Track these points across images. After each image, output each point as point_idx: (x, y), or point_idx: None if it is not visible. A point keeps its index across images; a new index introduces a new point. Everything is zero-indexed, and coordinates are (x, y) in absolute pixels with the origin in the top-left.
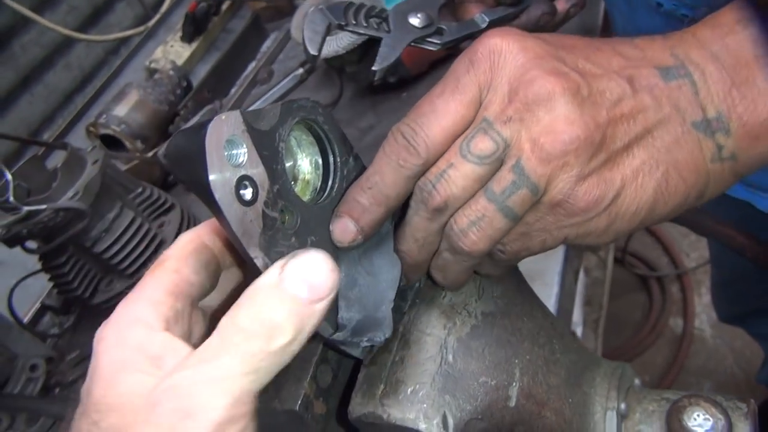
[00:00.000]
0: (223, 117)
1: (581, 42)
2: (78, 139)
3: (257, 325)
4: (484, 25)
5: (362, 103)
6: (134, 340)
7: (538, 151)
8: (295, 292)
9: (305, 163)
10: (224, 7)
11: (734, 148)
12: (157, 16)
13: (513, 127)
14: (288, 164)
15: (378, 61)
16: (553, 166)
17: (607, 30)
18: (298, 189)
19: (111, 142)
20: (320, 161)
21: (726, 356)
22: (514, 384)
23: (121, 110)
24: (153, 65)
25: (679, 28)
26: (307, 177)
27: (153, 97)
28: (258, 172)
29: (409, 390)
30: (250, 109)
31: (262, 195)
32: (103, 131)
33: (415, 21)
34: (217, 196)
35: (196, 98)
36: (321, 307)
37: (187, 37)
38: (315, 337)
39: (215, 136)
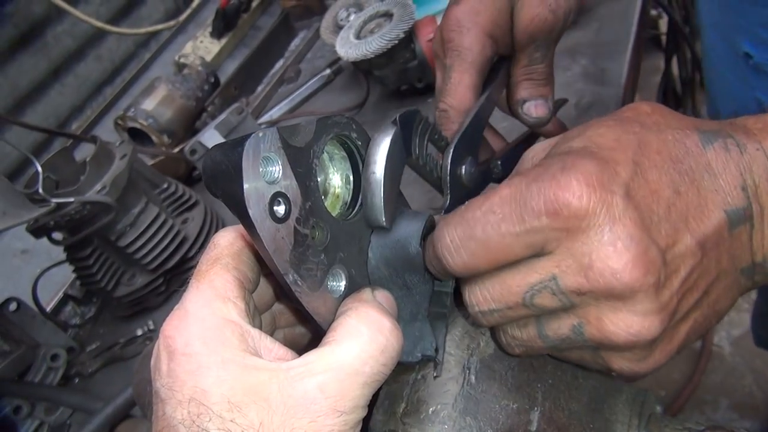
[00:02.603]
0: (261, 134)
1: (668, 181)
2: (106, 131)
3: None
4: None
5: (388, 107)
6: (230, 339)
7: (604, 333)
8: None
9: (336, 178)
10: (254, 4)
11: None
12: (188, 11)
13: (585, 301)
14: (319, 179)
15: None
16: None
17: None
18: (328, 203)
19: (138, 136)
20: (351, 176)
21: (745, 375)
22: (536, 408)
23: (149, 104)
24: (182, 60)
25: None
26: (338, 191)
27: (181, 93)
28: (292, 188)
29: (431, 410)
30: (285, 124)
31: (295, 212)
32: (130, 124)
33: (463, 174)
34: (251, 212)
35: (223, 95)
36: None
37: (217, 33)
38: None
39: (252, 153)
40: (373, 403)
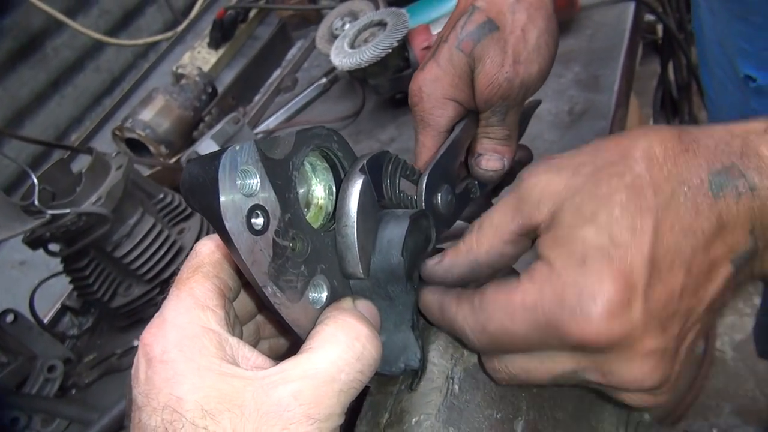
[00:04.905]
0: (237, 147)
1: (681, 265)
2: (105, 141)
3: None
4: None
5: (384, 116)
6: (208, 347)
7: (611, 383)
8: None
9: (319, 189)
10: (252, 14)
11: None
12: (186, 22)
13: (590, 367)
14: (302, 190)
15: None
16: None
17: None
18: (311, 214)
19: (136, 146)
20: (334, 188)
21: (747, 380)
22: (520, 418)
23: (146, 115)
24: (180, 70)
25: None
26: (321, 203)
27: (178, 103)
28: (270, 201)
29: (414, 420)
30: (265, 137)
31: (274, 224)
32: (128, 135)
33: (440, 203)
34: (228, 225)
35: (221, 105)
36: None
37: (214, 44)
38: None
39: (229, 166)
40: (356, 414)
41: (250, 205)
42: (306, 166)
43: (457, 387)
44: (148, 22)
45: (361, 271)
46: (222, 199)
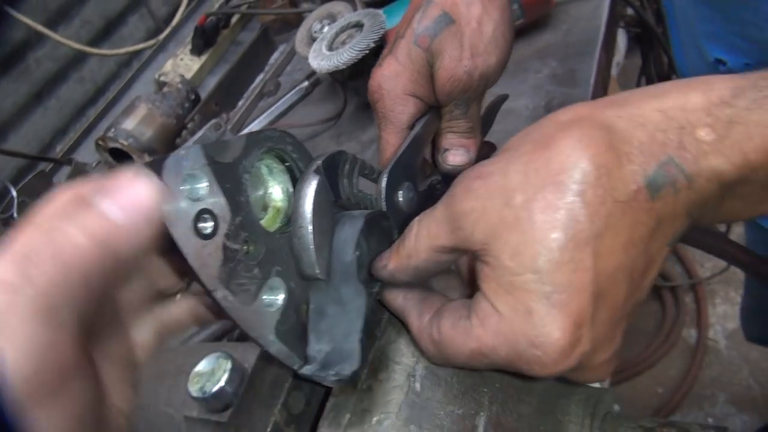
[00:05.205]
0: (182, 152)
1: (624, 280)
2: (89, 152)
3: None
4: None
5: (365, 117)
6: None
7: None
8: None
9: (277, 191)
10: (234, 20)
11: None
12: (168, 30)
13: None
14: (259, 192)
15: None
16: None
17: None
18: (268, 217)
19: (120, 156)
20: (292, 189)
21: (741, 368)
22: (482, 413)
23: (129, 124)
24: (162, 78)
25: None
26: (279, 205)
27: (161, 111)
28: (219, 204)
29: (374, 420)
30: (216, 141)
31: (224, 227)
32: (111, 145)
33: (401, 200)
34: (173, 230)
35: (204, 111)
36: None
37: (197, 50)
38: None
39: (173, 170)
40: (318, 416)
41: (197, 210)
42: (262, 168)
43: (418, 385)
44: (131, 30)
45: (317, 271)
46: (166, 205)
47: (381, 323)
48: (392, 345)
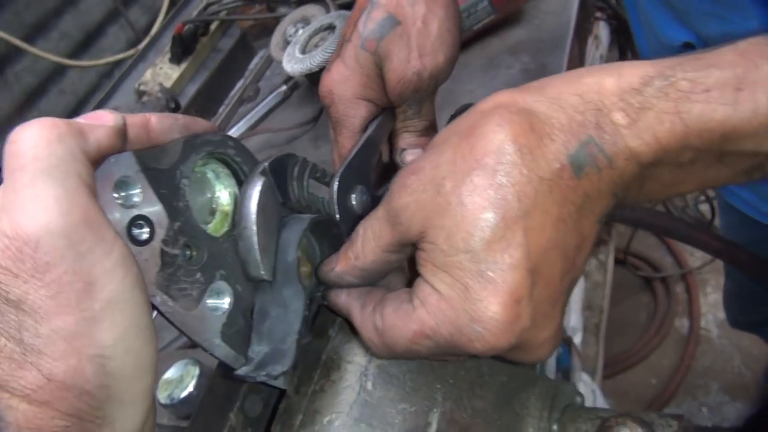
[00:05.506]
0: (113, 159)
1: (558, 258)
2: None
3: None
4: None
5: None
6: None
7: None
8: None
9: (224, 195)
10: (213, 27)
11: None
12: (147, 39)
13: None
14: (206, 197)
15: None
16: None
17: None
18: (217, 221)
19: None
20: (238, 193)
21: (733, 356)
22: (435, 410)
23: None
24: (142, 87)
25: None
26: (226, 209)
27: None
28: (155, 210)
29: (326, 420)
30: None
31: (161, 233)
32: None
33: (354, 204)
34: None
35: None
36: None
37: (176, 59)
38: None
39: (104, 178)
40: (272, 419)
41: (131, 217)
42: (209, 173)
43: (370, 384)
44: (111, 42)
45: (262, 272)
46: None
47: (335, 324)
48: (346, 345)
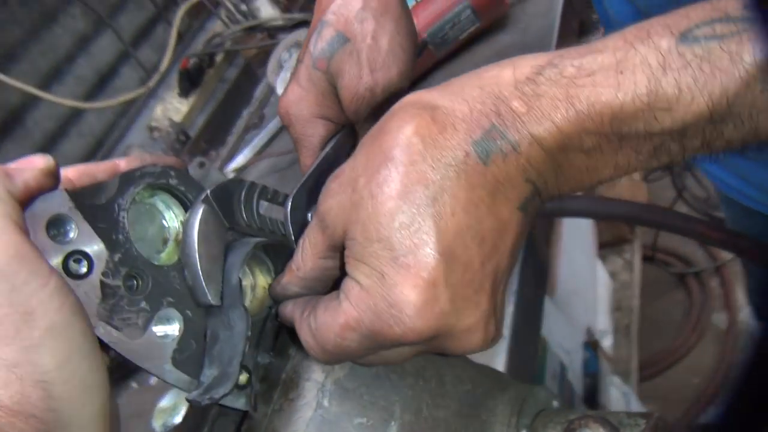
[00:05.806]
0: (42, 197)
1: (476, 245)
2: None
3: None
4: None
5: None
6: None
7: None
8: None
9: (175, 224)
10: (219, 58)
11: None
12: (156, 76)
13: (429, 348)
14: (156, 227)
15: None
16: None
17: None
18: (169, 249)
19: None
20: None
21: None
22: (393, 423)
23: None
24: (153, 123)
25: None
26: (178, 237)
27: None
28: (91, 244)
29: None
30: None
31: (100, 266)
32: None
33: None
34: None
35: (192, 151)
36: None
37: (184, 92)
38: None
39: (35, 216)
40: None
41: (66, 252)
42: (159, 204)
43: (326, 400)
44: (125, 81)
45: (210, 298)
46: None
47: (296, 342)
48: (304, 362)
